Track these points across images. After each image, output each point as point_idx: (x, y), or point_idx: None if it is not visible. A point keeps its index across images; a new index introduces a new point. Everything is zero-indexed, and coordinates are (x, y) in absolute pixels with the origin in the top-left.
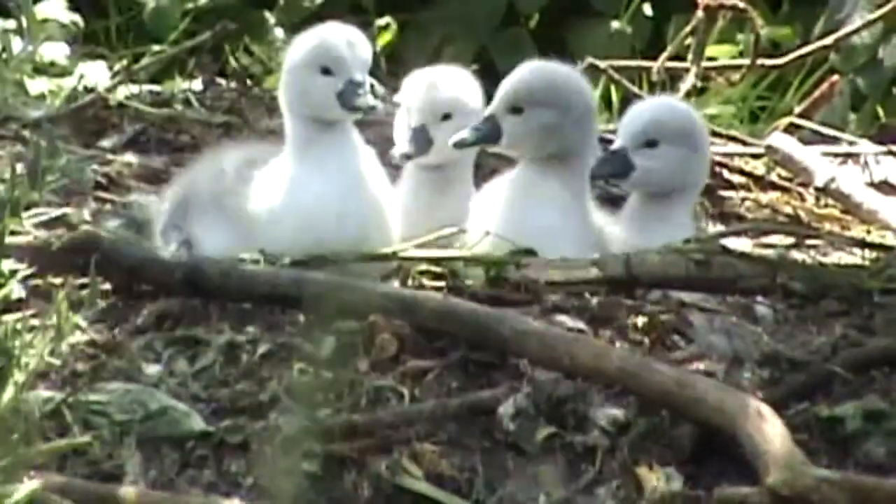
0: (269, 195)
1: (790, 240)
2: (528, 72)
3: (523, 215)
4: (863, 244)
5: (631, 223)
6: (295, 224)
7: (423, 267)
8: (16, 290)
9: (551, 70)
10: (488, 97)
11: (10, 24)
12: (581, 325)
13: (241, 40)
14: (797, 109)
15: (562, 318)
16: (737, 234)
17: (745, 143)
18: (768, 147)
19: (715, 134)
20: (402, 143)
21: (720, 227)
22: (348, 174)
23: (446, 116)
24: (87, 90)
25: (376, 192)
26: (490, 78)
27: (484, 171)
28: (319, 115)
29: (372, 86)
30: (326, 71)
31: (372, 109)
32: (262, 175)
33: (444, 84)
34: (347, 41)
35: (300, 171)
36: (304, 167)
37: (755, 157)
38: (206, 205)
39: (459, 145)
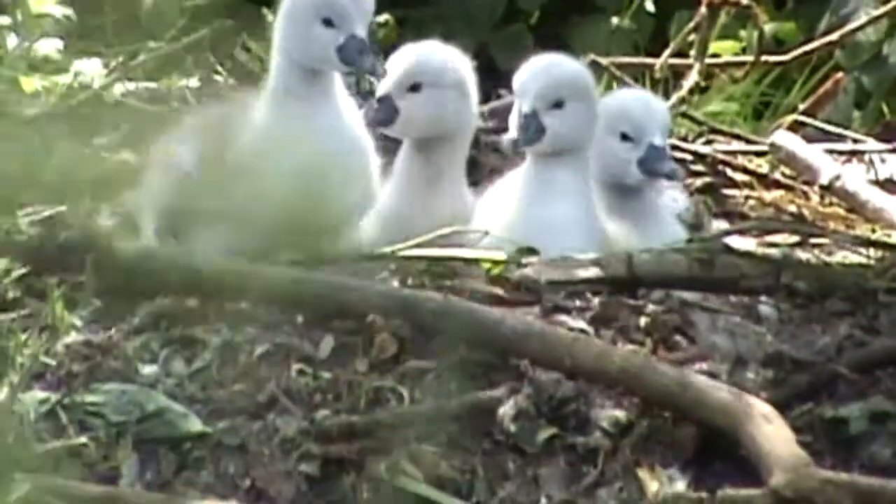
0: (249, 146)
1: (794, 239)
2: (561, 66)
3: (538, 209)
4: (868, 243)
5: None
6: (279, 187)
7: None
8: (11, 290)
9: (574, 62)
10: (487, 95)
11: (5, 20)
12: (582, 325)
13: (238, 37)
14: (801, 107)
15: (563, 318)
16: (740, 232)
17: (748, 141)
18: (772, 145)
19: (718, 131)
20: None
21: (724, 226)
22: (329, 123)
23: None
24: (83, 87)
25: (358, 140)
26: (490, 75)
27: (484, 171)
28: (315, 65)
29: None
30: (328, 22)
31: (379, 76)
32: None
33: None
34: None
35: (278, 120)
36: (283, 115)
37: (759, 154)
38: (183, 211)
39: (514, 149)
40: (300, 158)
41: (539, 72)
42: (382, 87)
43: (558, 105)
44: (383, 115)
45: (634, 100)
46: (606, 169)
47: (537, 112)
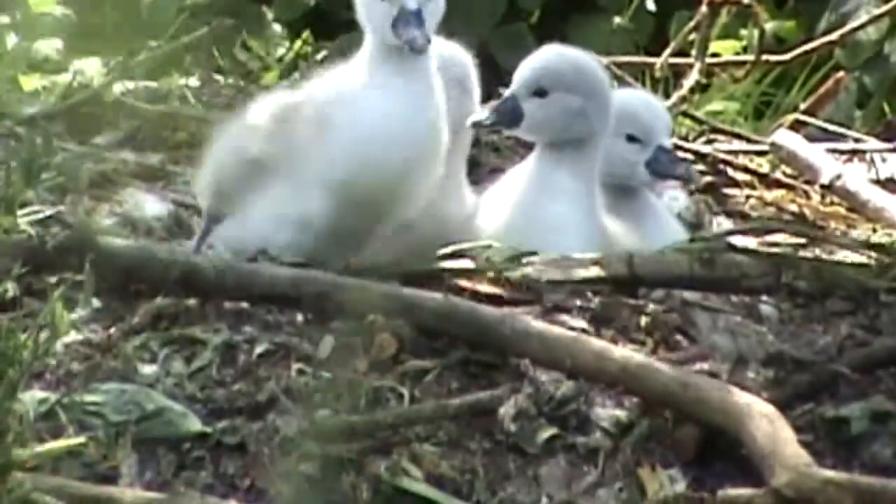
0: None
1: (795, 238)
2: (554, 55)
3: (538, 207)
4: (869, 245)
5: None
6: (344, 145)
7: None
8: (10, 289)
9: (576, 55)
10: (488, 93)
11: (5, 19)
12: (583, 324)
13: (238, 36)
14: (802, 106)
15: (563, 317)
16: (743, 232)
17: (749, 140)
18: (773, 144)
19: (719, 131)
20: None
21: (727, 225)
22: (408, 99)
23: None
24: (82, 86)
25: (433, 121)
26: (491, 73)
27: (484, 170)
28: (381, 38)
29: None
30: None
31: (417, 48)
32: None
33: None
34: None
35: (361, 91)
36: (372, 86)
37: (760, 154)
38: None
39: (477, 126)
40: (377, 129)
41: (531, 59)
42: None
43: (540, 93)
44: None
45: (639, 100)
46: (611, 170)
47: (516, 97)
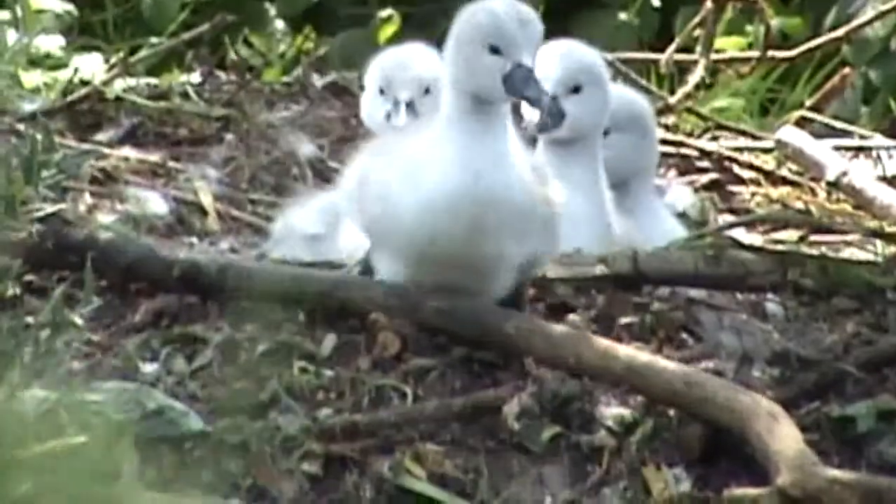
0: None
1: (800, 235)
2: (574, 49)
3: None
4: (875, 234)
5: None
6: (408, 214)
7: None
8: (11, 287)
9: (591, 50)
10: None
11: (5, 15)
12: (587, 322)
13: (240, 32)
14: (808, 102)
15: (568, 315)
16: (744, 224)
17: (754, 137)
18: (778, 141)
19: (724, 128)
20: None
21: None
22: (483, 160)
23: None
24: (83, 83)
25: (506, 179)
26: None
27: None
28: (481, 93)
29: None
30: (495, 50)
31: (540, 107)
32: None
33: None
34: (519, 19)
35: (444, 150)
36: (451, 146)
37: (765, 151)
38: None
39: (538, 132)
40: (458, 189)
41: (560, 58)
42: (407, 95)
43: (576, 90)
44: (412, 117)
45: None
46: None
47: (557, 97)
